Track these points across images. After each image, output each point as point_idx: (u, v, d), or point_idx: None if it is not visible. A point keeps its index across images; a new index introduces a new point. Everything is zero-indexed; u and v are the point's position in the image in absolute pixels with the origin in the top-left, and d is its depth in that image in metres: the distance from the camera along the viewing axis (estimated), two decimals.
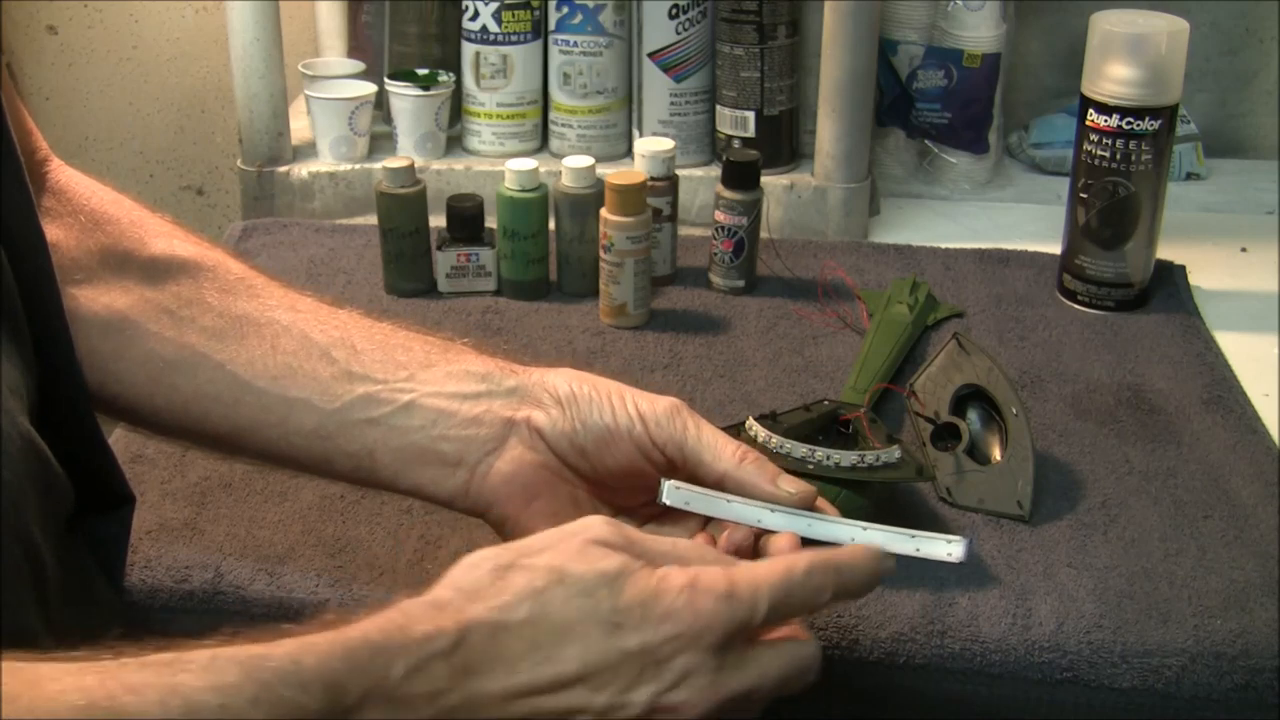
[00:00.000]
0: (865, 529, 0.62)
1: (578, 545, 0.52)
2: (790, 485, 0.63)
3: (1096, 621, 0.76)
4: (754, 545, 0.62)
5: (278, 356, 0.67)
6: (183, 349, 0.68)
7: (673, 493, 0.64)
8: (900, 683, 0.76)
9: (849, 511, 0.80)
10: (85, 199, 0.71)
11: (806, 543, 0.61)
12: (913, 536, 0.61)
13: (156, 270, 0.70)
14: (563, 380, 0.66)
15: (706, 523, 0.66)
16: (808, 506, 0.63)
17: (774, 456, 0.77)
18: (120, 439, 0.91)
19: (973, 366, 0.93)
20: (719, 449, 0.64)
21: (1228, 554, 0.82)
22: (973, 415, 0.92)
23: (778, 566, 0.55)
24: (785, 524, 0.62)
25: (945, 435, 0.91)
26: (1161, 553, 0.82)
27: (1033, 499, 0.86)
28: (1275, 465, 0.91)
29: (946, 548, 0.61)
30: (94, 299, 0.68)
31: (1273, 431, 0.95)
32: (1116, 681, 0.74)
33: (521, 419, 0.65)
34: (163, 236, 0.71)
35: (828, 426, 0.89)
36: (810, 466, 0.78)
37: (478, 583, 0.51)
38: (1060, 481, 0.89)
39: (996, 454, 0.89)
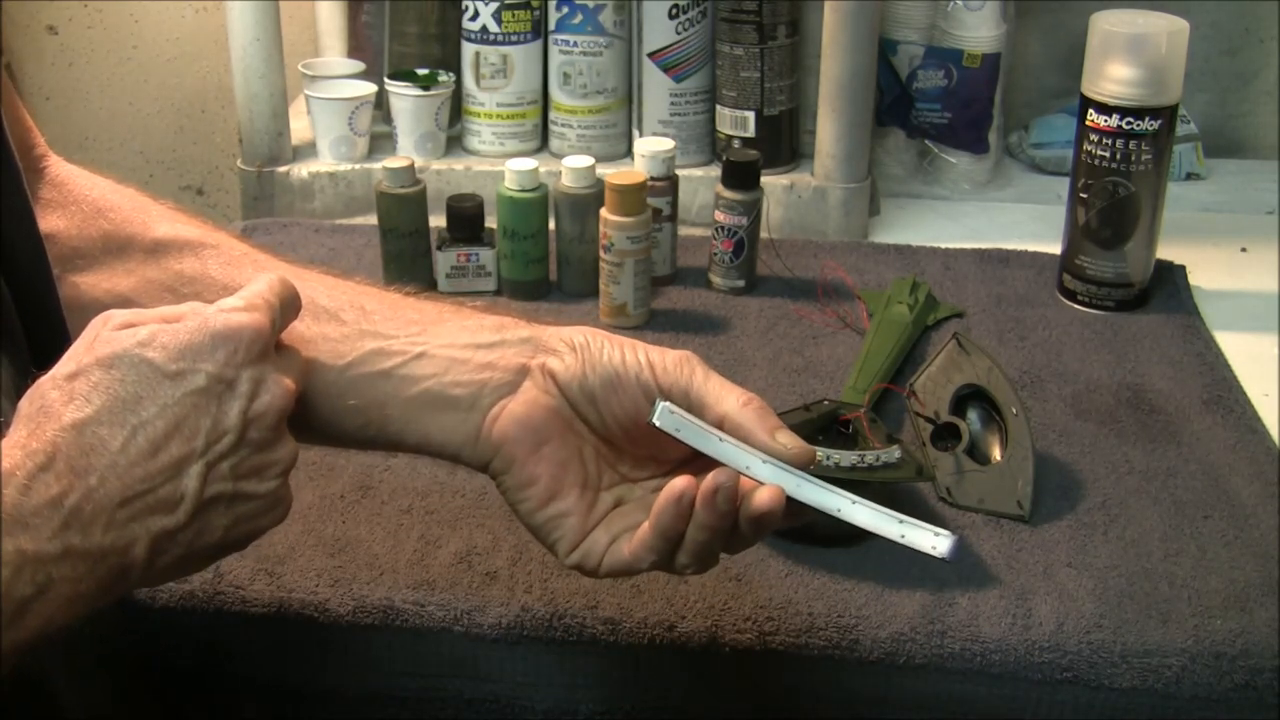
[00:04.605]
0: (854, 502, 0.59)
1: (106, 335, 0.55)
2: (788, 440, 0.60)
3: (1096, 621, 0.76)
4: (737, 492, 0.59)
5: None
6: None
7: (665, 415, 0.60)
8: (900, 683, 0.76)
9: None
10: (86, 190, 0.71)
11: (791, 500, 0.59)
12: (900, 522, 0.58)
13: (159, 251, 0.70)
14: (579, 331, 0.65)
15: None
16: (802, 465, 0.60)
17: None
18: None
19: (973, 366, 0.93)
20: (723, 393, 0.61)
21: (1228, 554, 0.82)
22: (973, 415, 0.92)
23: (264, 280, 0.60)
24: (774, 477, 0.59)
25: (945, 435, 0.91)
26: (1161, 553, 0.82)
27: (1033, 499, 0.86)
28: (1275, 465, 0.91)
29: (932, 540, 0.58)
30: (95, 285, 0.69)
31: (1273, 431, 0.95)
32: (1116, 681, 0.74)
33: (536, 365, 0.64)
34: (166, 220, 0.71)
35: (828, 426, 0.89)
36: (810, 466, 0.78)
37: (45, 401, 0.53)
38: (1060, 481, 0.89)
39: (996, 454, 0.89)
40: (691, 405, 0.62)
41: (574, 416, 0.64)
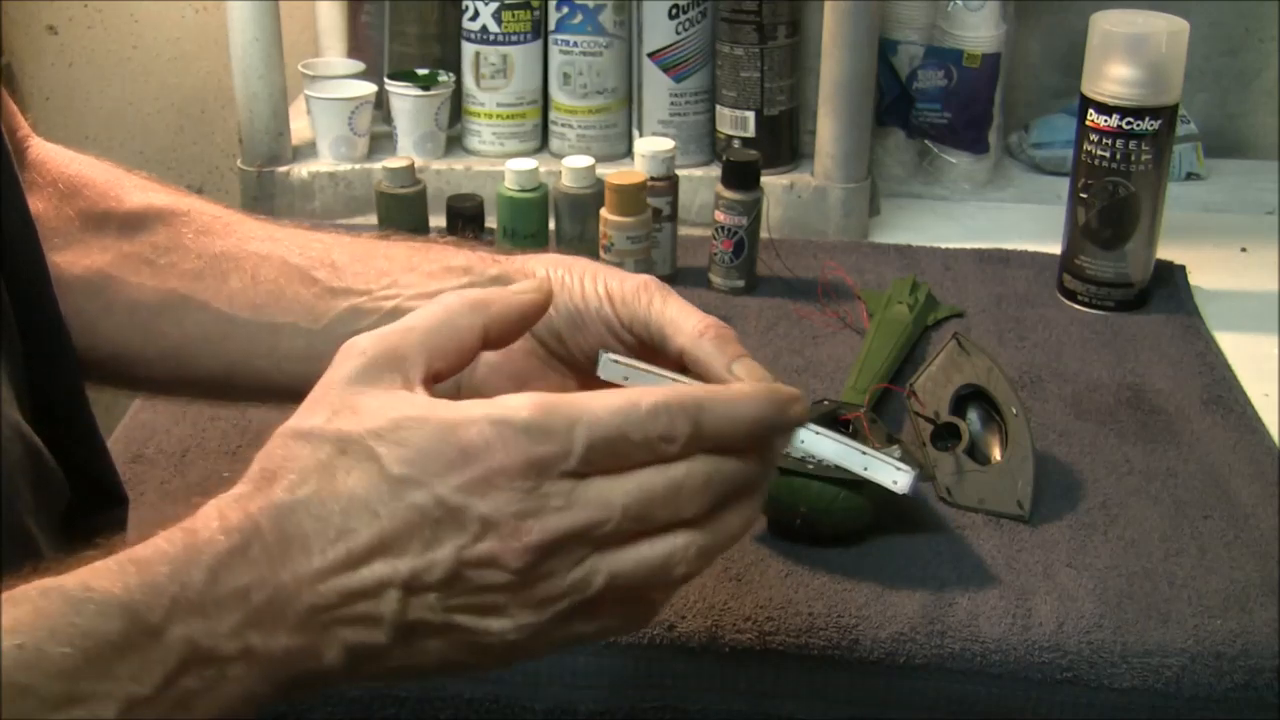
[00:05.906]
0: (817, 433, 0.57)
1: (350, 397, 0.48)
2: (744, 371, 0.57)
3: (1096, 621, 0.76)
4: None
5: (259, 286, 0.66)
6: (166, 294, 0.68)
7: (609, 365, 0.57)
8: (900, 683, 0.76)
9: (849, 511, 0.80)
10: (63, 167, 0.71)
11: None
12: (864, 454, 0.57)
13: (133, 223, 0.70)
14: (541, 264, 0.63)
15: None
16: None
17: None
18: (120, 439, 0.91)
19: (973, 366, 0.93)
20: (680, 322, 0.58)
21: (1228, 554, 0.82)
22: (973, 415, 0.91)
23: (614, 399, 0.48)
24: None
25: (945, 435, 0.91)
26: (1161, 553, 0.82)
27: (1033, 499, 0.86)
28: (1275, 465, 0.91)
29: (894, 475, 0.56)
30: (74, 262, 0.68)
31: (1273, 431, 0.95)
32: (1116, 681, 0.74)
33: None
34: (138, 190, 0.71)
35: (828, 426, 0.89)
36: (810, 466, 0.78)
37: (270, 462, 0.48)
38: (1060, 481, 0.89)
39: (996, 454, 0.89)
40: (653, 337, 0.59)
41: (549, 355, 0.63)
